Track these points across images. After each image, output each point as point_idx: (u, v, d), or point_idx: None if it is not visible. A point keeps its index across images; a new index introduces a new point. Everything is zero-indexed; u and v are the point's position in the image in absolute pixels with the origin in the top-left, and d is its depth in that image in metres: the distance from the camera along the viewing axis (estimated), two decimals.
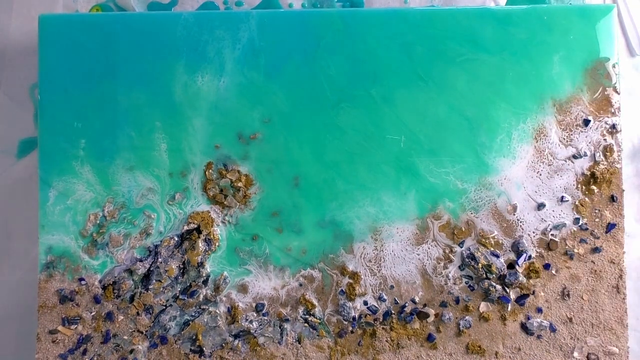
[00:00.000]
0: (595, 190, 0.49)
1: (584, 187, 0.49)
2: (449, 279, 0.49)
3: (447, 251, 0.49)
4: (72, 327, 0.49)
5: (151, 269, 0.49)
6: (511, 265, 0.49)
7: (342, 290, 0.49)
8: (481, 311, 0.49)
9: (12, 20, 0.55)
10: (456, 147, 0.49)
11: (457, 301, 0.49)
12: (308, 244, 0.49)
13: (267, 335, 0.49)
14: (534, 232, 0.49)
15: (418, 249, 0.49)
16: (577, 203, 0.49)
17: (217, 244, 0.49)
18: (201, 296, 0.49)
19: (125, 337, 0.49)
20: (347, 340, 0.49)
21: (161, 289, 0.49)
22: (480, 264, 0.48)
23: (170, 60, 0.50)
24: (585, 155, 0.49)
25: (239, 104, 0.49)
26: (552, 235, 0.49)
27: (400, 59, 0.49)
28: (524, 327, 0.48)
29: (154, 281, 0.49)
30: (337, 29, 0.49)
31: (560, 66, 0.49)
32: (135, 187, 0.50)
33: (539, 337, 0.48)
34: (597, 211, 0.49)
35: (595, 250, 0.48)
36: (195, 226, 0.49)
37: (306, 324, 0.49)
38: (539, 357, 0.48)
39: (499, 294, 0.48)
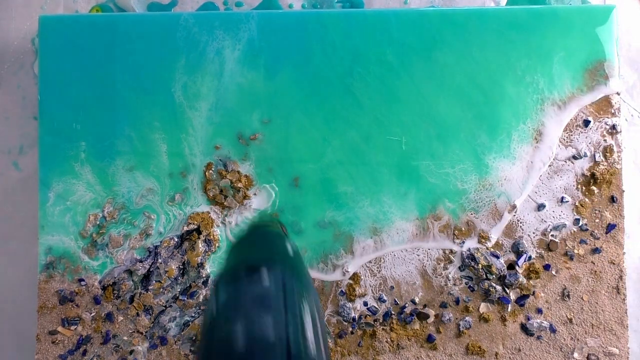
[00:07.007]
0: (595, 191, 0.49)
1: (584, 188, 0.49)
2: (449, 280, 0.49)
3: (447, 252, 0.49)
4: (72, 327, 0.49)
5: (151, 269, 0.49)
6: (511, 266, 0.49)
7: (342, 291, 0.49)
8: (481, 312, 0.49)
9: (12, 20, 0.55)
10: (456, 148, 0.49)
11: (457, 302, 0.49)
12: (308, 244, 0.49)
13: None
14: (534, 233, 0.49)
15: (418, 249, 0.49)
16: (577, 204, 0.49)
17: (217, 245, 0.49)
18: (201, 297, 0.49)
19: (125, 338, 0.49)
20: (347, 341, 0.49)
21: (161, 289, 0.49)
22: (480, 265, 0.48)
23: (170, 60, 0.49)
24: (585, 155, 0.49)
25: (239, 104, 0.49)
26: (552, 236, 0.49)
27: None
28: (524, 328, 0.48)
29: (154, 282, 0.49)
30: (337, 30, 0.49)
31: (560, 66, 0.49)
32: (135, 188, 0.49)
33: (539, 337, 0.48)
34: (597, 212, 0.49)
35: (595, 250, 0.48)
36: (195, 227, 0.49)
37: None
38: (539, 357, 0.48)
39: (499, 295, 0.48)
